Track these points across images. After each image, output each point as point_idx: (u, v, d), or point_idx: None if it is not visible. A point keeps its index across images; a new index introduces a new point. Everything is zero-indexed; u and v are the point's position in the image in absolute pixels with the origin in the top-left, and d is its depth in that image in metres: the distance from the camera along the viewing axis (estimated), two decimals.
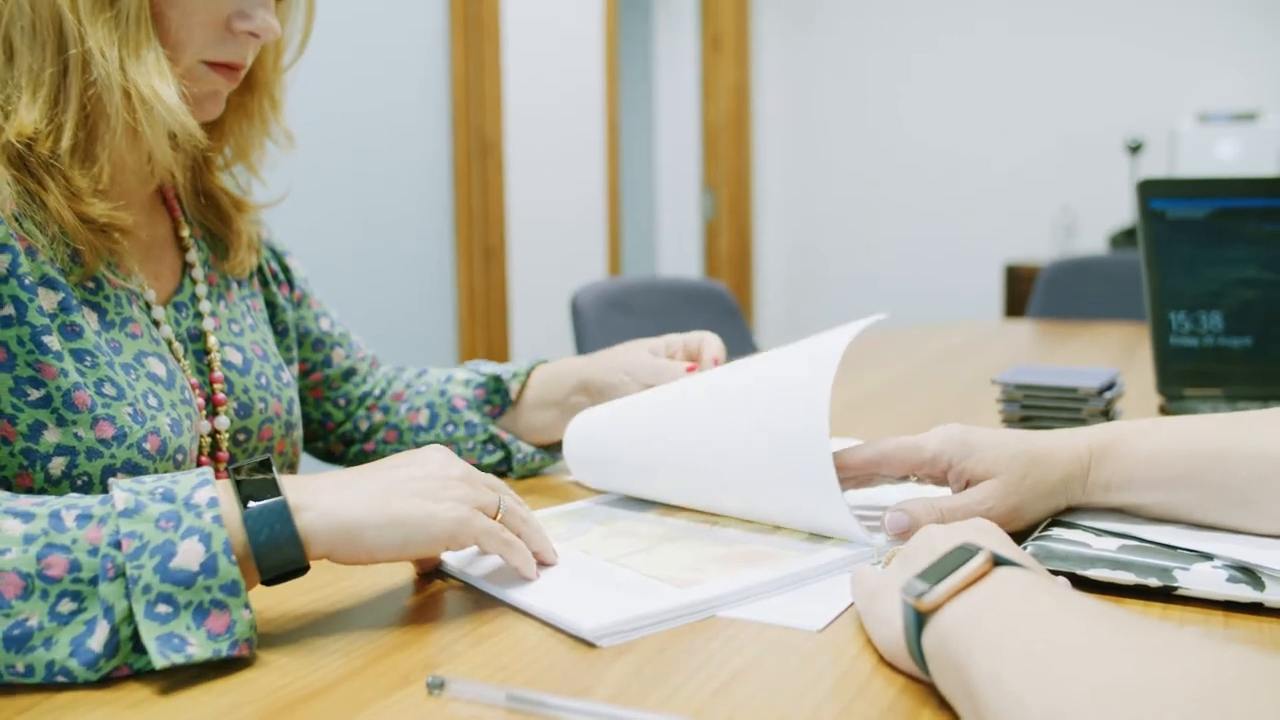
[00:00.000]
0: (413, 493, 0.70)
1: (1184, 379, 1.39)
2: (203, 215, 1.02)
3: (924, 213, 4.51)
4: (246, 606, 0.63)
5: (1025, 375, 1.29)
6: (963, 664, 0.53)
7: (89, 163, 0.84)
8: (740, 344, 2.27)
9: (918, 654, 0.58)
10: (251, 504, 0.65)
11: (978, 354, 2.02)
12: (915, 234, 4.53)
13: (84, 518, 0.63)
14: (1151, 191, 1.42)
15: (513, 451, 1.11)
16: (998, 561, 0.58)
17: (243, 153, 1.02)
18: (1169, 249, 1.41)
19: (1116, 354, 1.94)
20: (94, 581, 0.61)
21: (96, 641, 0.60)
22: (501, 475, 1.11)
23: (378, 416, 1.15)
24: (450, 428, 1.12)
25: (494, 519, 0.73)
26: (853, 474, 0.88)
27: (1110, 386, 1.27)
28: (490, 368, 1.15)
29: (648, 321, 2.12)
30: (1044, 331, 2.39)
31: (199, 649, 0.60)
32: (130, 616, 0.61)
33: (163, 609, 0.61)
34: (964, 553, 0.58)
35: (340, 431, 1.15)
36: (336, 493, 0.68)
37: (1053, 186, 4.23)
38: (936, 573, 0.58)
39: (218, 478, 0.69)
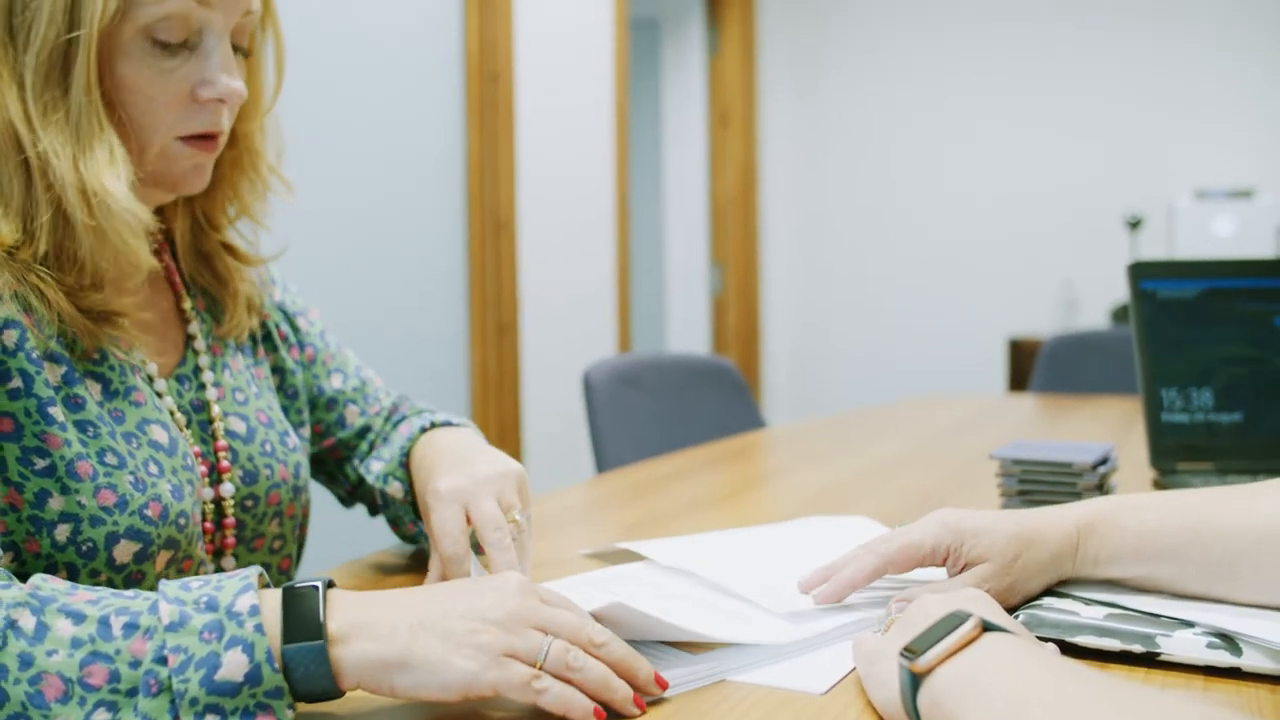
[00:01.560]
0: (441, 634, 0.67)
1: (1176, 454, 1.44)
2: (200, 276, 1.04)
3: (929, 288, 4.58)
4: (290, 706, 0.65)
5: (1022, 450, 1.34)
6: None
7: (71, 263, 0.85)
8: (748, 420, 2.32)
9: (914, 713, 0.63)
10: (289, 646, 0.65)
11: (979, 427, 2.07)
12: (921, 309, 4.60)
13: (130, 627, 0.64)
14: (1142, 273, 1.48)
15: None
16: (986, 627, 0.63)
17: (244, 206, 1.04)
18: (1160, 328, 1.47)
19: (1115, 428, 1.99)
20: (132, 693, 0.63)
21: None
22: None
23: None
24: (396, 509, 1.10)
25: (537, 665, 0.68)
26: (864, 585, 0.90)
27: (1104, 461, 1.32)
28: (379, 466, 1.09)
29: (657, 397, 2.18)
30: (1045, 405, 2.44)
31: None
32: None
33: (210, 719, 0.63)
34: (955, 619, 0.64)
35: (360, 493, 1.16)
36: (375, 626, 0.67)
37: (1055, 262, 4.30)
38: (930, 638, 0.63)
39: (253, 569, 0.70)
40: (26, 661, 0.63)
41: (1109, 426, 2.01)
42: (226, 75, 0.89)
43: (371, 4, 2.73)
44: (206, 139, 0.91)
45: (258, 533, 1.01)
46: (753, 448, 1.95)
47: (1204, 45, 4.11)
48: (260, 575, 0.70)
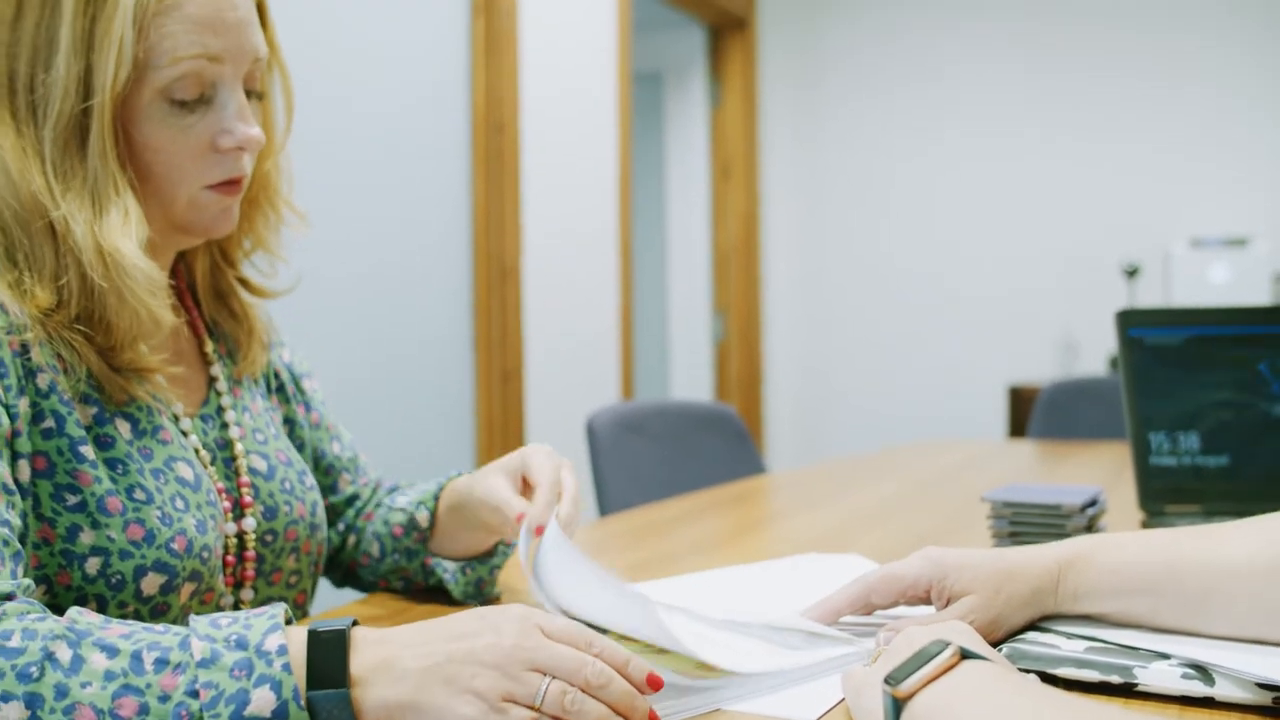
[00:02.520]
0: (444, 680, 0.70)
1: (1164, 496, 1.48)
2: (219, 316, 1.09)
3: (930, 335, 4.63)
4: None
5: (1013, 493, 1.38)
6: None
7: (100, 325, 0.90)
8: (749, 467, 2.36)
9: None
10: (316, 692, 0.69)
11: (975, 472, 2.11)
12: (921, 356, 4.64)
13: (161, 662, 0.68)
14: (1129, 321, 1.52)
15: (440, 574, 1.12)
16: (965, 655, 0.67)
17: (260, 240, 1.09)
18: (1147, 374, 1.51)
19: (1108, 472, 2.03)
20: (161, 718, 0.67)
21: None
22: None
23: (351, 539, 1.20)
24: (396, 555, 1.14)
25: (534, 707, 0.70)
26: (847, 612, 0.95)
27: (1093, 504, 1.36)
28: (407, 498, 1.15)
29: (660, 444, 2.21)
30: (1042, 451, 2.47)
31: None
32: None
33: None
34: (935, 647, 0.67)
35: (339, 559, 1.21)
36: (389, 670, 0.71)
37: (1053, 310, 4.35)
38: (912, 665, 0.67)
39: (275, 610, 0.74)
40: (62, 692, 0.67)
41: (1103, 471, 2.05)
42: (243, 124, 0.94)
43: (382, 55, 2.80)
44: (231, 184, 0.96)
45: (276, 567, 1.05)
46: (754, 492, 1.99)
47: (1200, 94, 4.17)
48: (285, 612, 0.74)
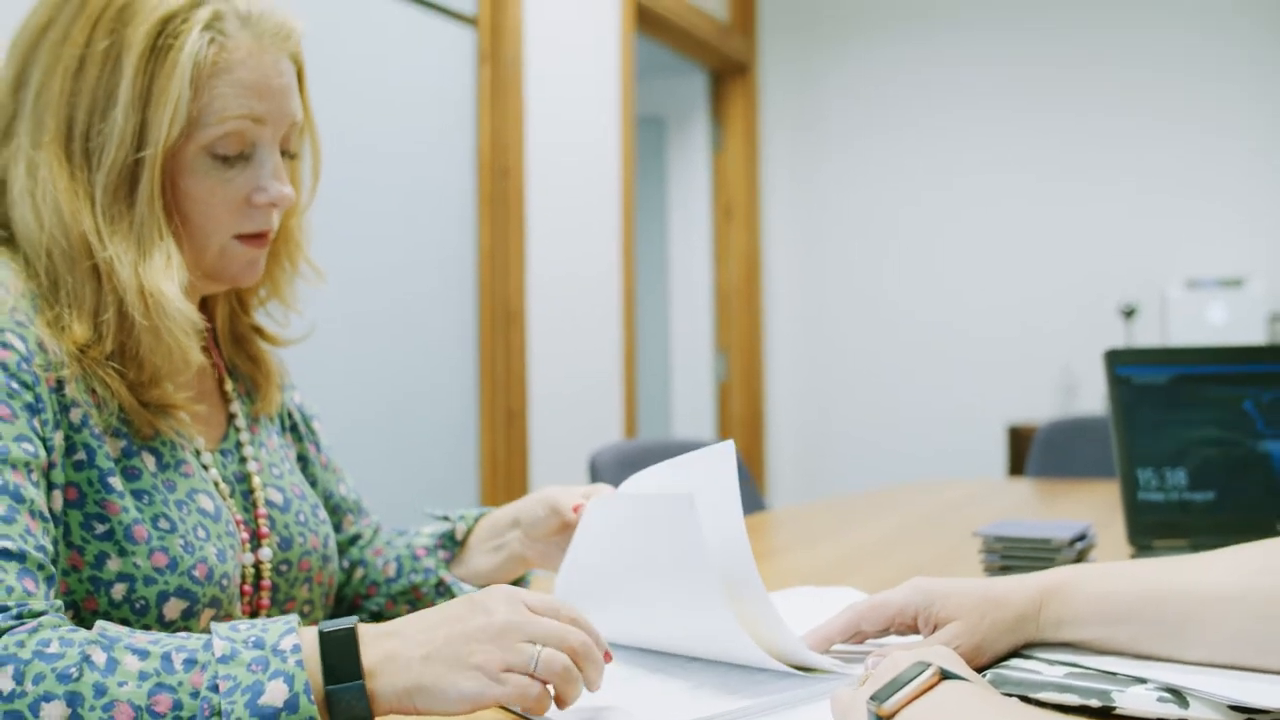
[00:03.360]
0: (446, 659, 0.77)
1: (1152, 531, 1.51)
2: (237, 358, 1.15)
3: (930, 375, 4.67)
4: None
5: (1004, 529, 1.41)
6: None
7: (133, 361, 0.95)
8: (748, 504, 2.39)
9: None
10: (335, 686, 0.76)
11: (972, 509, 2.14)
12: (922, 396, 4.68)
13: (189, 662, 0.75)
14: (1117, 360, 1.57)
15: (456, 594, 1.18)
16: (945, 675, 0.70)
17: (276, 290, 1.14)
18: (1135, 412, 1.55)
19: (1102, 508, 2.06)
20: (193, 713, 0.73)
21: None
22: None
23: (359, 573, 1.25)
24: (413, 575, 1.21)
25: (530, 673, 0.78)
26: (839, 641, 0.99)
27: (1082, 538, 1.39)
28: (435, 525, 1.24)
29: None
30: (1039, 489, 2.51)
31: None
32: None
33: None
34: (917, 668, 0.71)
35: (341, 594, 1.25)
36: (396, 659, 0.78)
37: (1053, 350, 4.39)
38: (895, 685, 0.70)
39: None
40: (101, 690, 0.73)
41: (1097, 507, 2.08)
42: (277, 182, 1.01)
43: (391, 103, 2.86)
44: (259, 237, 1.03)
45: (290, 596, 1.09)
46: (751, 528, 2.02)
47: (1195, 136, 4.24)
48: (298, 620, 0.80)
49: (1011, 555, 1.39)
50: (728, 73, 4.86)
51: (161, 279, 0.93)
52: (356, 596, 1.25)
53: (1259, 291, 3.86)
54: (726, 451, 0.95)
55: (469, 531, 1.22)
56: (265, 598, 1.06)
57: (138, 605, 0.91)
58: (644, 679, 0.95)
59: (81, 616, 0.90)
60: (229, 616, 0.99)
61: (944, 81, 4.66)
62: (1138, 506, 1.52)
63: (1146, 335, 4.18)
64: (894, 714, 0.69)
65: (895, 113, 4.75)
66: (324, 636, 0.77)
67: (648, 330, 4.97)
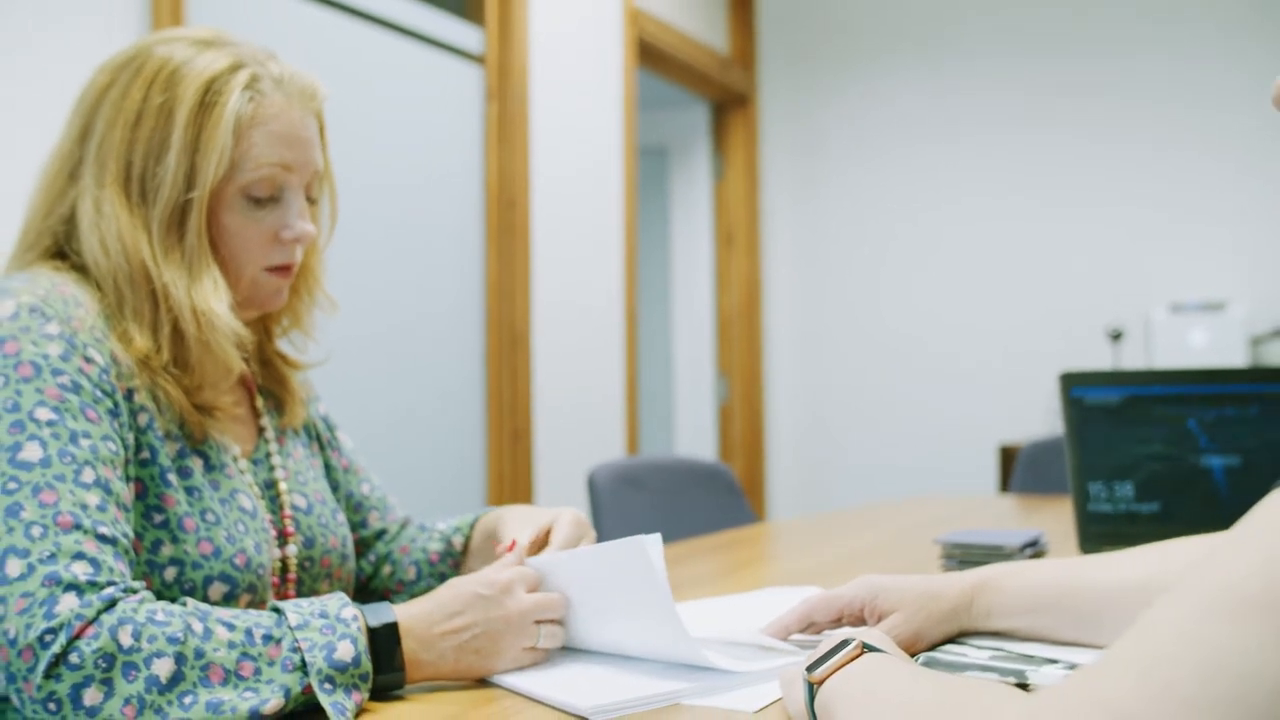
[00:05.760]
0: (477, 651, 1.01)
1: (1101, 540, 1.64)
2: (266, 379, 1.30)
3: (925, 397, 4.79)
4: (370, 690, 0.96)
5: (962, 536, 1.54)
6: (838, 718, 0.78)
7: (185, 368, 1.11)
8: (741, 518, 2.52)
9: (812, 715, 0.83)
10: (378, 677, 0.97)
11: (952, 524, 2.26)
12: (917, 417, 4.80)
13: (267, 638, 0.93)
14: (1071, 382, 1.70)
15: None
16: (867, 648, 0.84)
17: (297, 320, 1.29)
18: (1087, 430, 1.68)
19: (1066, 520, 2.17)
20: (270, 679, 0.91)
21: (271, 708, 0.91)
22: None
23: (386, 570, 1.39)
24: (430, 580, 1.36)
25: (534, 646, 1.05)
26: (795, 630, 1.12)
27: (1033, 544, 1.52)
28: (446, 526, 1.39)
29: (657, 496, 2.38)
30: (1019, 504, 2.63)
31: (351, 713, 0.93)
32: (299, 696, 0.92)
33: (328, 686, 0.92)
34: (845, 643, 0.84)
35: (371, 586, 1.40)
36: (430, 654, 1.00)
37: (1042, 372, 4.51)
38: (824, 657, 0.84)
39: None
40: (200, 654, 0.90)
41: (1062, 519, 2.20)
42: (302, 221, 1.17)
43: (403, 139, 3.02)
44: (285, 269, 1.18)
45: (313, 590, 1.23)
46: (739, 540, 2.15)
47: (1181, 160, 4.37)
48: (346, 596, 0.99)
49: (969, 560, 1.52)
50: (729, 104, 5.01)
51: (212, 299, 1.09)
52: (387, 590, 1.39)
53: (1239, 314, 3.98)
54: (639, 547, 1.08)
55: (467, 539, 1.36)
56: (291, 590, 1.20)
57: (186, 586, 1.06)
58: (617, 666, 1.08)
59: None
60: (263, 603, 1.13)
61: (936, 112, 4.80)
62: (1088, 517, 1.65)
63: (1133, 358, 4.31)
64: (823, 680, 0.82)
65: (890, 141, 4.89)
66: (371, 633, 0.98)
67: (651, 353, 5.10)
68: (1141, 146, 4.44)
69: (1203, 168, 4.33)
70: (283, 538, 1.20)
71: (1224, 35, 4.33)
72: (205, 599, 1.07)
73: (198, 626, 0.91)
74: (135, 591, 0.93)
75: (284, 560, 1.20)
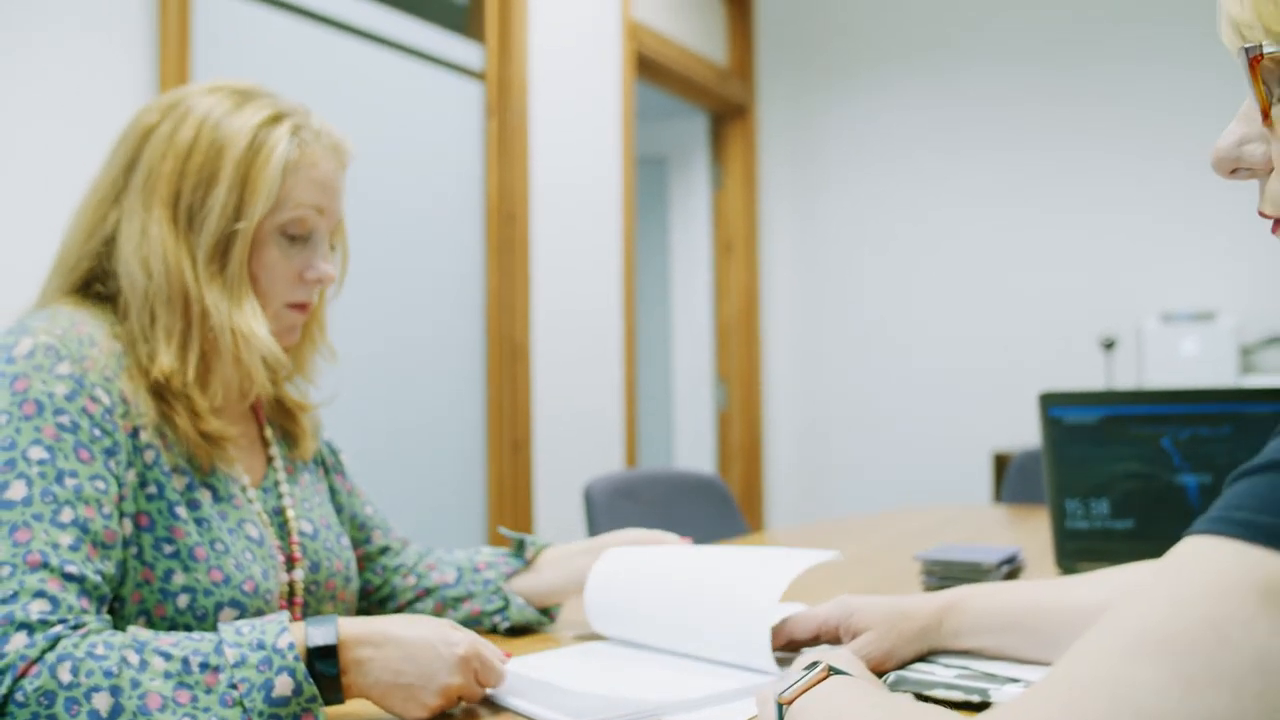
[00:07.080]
0: (409, 686, 1.01)
1: (1078, 555, 1.70)
2: (276, 415, 1.36)
3: (920, 406, 4.85)
4: (321, 707, 0.96)
5: (941, 552, 1.60)
6: None
7: (206, 388, 1.18)
8: (733, 528, 2.58)
9: None
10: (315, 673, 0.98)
11: (940, 534, 2.32)
12: (913, 425, 4.86)
13: (204, 666, 0.94)
14: (1050, 402, 1.75)
15: (511, 601, 1.39)
16: (833, 671, 0.89)
17: (301, 364, 1.36)
18: (1065, 448, 1.73)
19: (1049, 533, 2.23)
20: (207, 709, 0.93)
21: None
22: (494, 627, 1.41)
23: (410, 580, 1.45)
24: (470, 584, 1.42)
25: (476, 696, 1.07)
26: (777, 647, 1.18)
27: (1010, 561, 1.58)
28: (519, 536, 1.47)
29: (651, 508, 2.44)
30: (1008, 514, 2.69)
31: None
32: None
33: None
34: (813, 665, 0.90)
35: (377, 596, 1.46)
36: (374, 669, 1.01)
37: (1036, 382, 4.56)
38: (794, 679, 0.89)
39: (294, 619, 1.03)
40: (136, 684, 0.93)
41: (1044, 532, 2.26)
42: (325, 263, 1.25)
43: (405, 154, 3.07)
44: (303, 306, 1.26)
45: (318, 611, 1.29)
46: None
47: (1173, 170, 4.42)
48: (288, 617, 1.01)
49: (948, 577, 1.57)
50: (727, 114, 5.07)
51: (253, 323, 1.18)
52: (403, 603, 1.45)
53: (1229, 324, 4.03)
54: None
55: (537, 553, 1.44)
56: (299, 613, 1.26)
57: (199, 613, 1.11)
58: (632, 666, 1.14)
59: (152, 622, 1.10)
60: None
61: (932, 122, 4.86)
62: (1065, 533, 1.70)
63: (1125, 367, 4.36)
64: (791, 701, 0.88)
65: (887, 151, 4.95)
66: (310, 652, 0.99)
67: (651, 362, 5.16)
68: (1134, 157, 4.50)
69: (1194, 178, 4.38)
70: (290, 563, 1.26)
71: (1216, 46, 4.34)
72: (217, 624, 1.12)
73: (133, 658, 0.94)
74: (82, 627, 0.96)
75: (291, 584, 1.25)
